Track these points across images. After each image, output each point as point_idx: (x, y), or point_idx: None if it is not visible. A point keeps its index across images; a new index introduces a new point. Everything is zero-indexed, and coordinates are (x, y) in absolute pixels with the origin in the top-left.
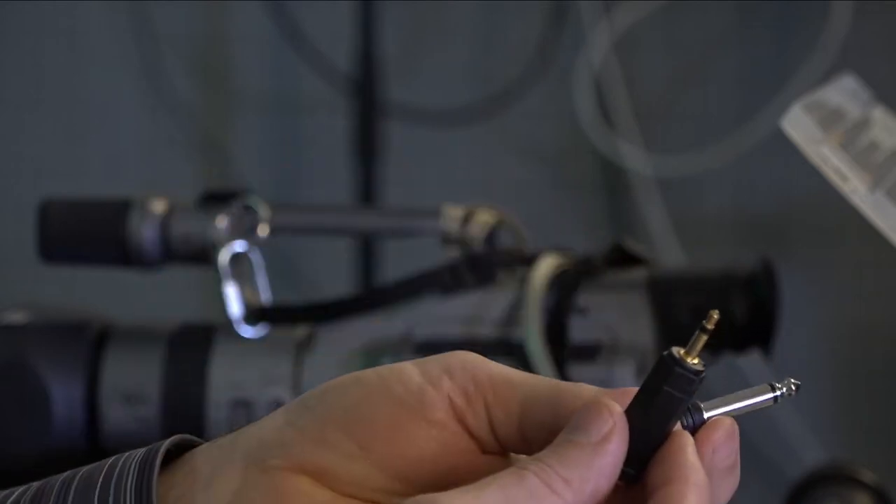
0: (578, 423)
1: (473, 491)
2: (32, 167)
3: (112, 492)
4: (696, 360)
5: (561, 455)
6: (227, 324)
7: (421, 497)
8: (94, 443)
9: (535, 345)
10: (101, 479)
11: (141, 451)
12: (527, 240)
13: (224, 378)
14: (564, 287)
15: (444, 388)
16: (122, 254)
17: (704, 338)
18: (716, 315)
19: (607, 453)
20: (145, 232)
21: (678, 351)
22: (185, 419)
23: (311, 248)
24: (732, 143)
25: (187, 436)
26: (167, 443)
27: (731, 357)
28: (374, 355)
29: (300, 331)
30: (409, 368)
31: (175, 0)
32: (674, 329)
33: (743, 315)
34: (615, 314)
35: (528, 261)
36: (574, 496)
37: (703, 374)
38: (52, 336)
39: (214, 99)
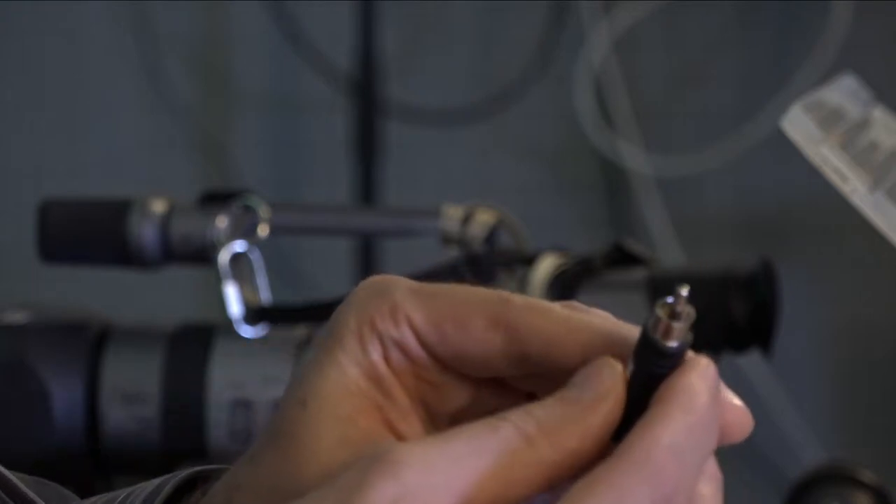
0: (576, 379)
1: (440, 441)
2: (32, 167)
3: None
4: (676, 334)
5: (549, 408)
6: (227, 324)
7: (378, 450)
8: (94, 443)
9: None
10: None
11: (151, 483)
12: (527, 240)
13: (224, 378)
14: (564, 287)
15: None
16: (122, 254)
17: (663, 315)
18: (683, 292)
19: (599, 414)
20: (145, 232)
21: (655, 326)
22: (185, 419)
23: (311, 248)
24: (732, 143)
25: (203, 468)
26: (176, 480)
27: (731, 357)
28: None
29: (300, 331)
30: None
31: (175, 0)
32: None
33: (743, 315)
34: (615, 314)
35: (528, 261)
36: (553, 453)
37: (675, 350)
38: (52, 336)
39: (214, 99)
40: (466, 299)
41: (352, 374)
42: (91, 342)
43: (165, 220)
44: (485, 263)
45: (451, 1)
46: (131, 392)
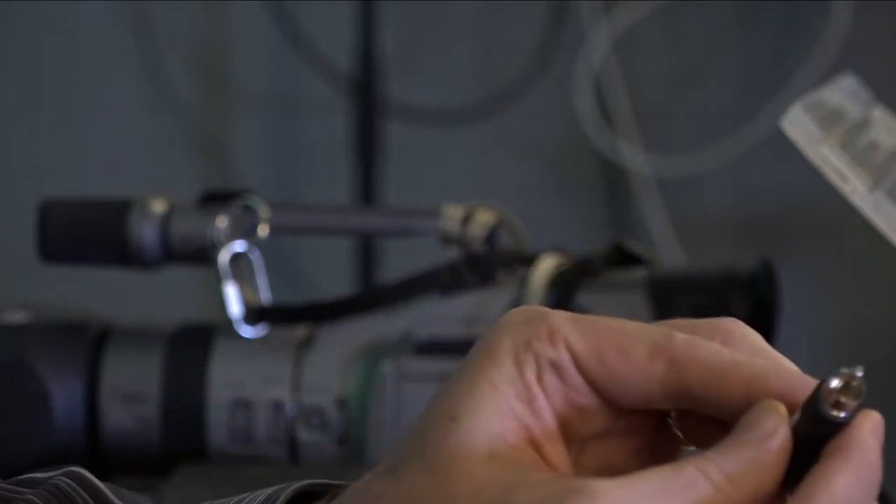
0: (744, 421)
1: (632, 479)
2: (32, 167)
3: None
4: (847, 407)
5: (723, 450)
6: (227, 324)
7: (574, 482)
8: (93, 443)
9: None
10: None
11: (258, 495)
12: (527, 240)
13: (224, 378)
14: (564, 287)
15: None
16: (122, 254)
17: (836, 389)
18: (858, 373)
19: (770, 451)
20: (145, 232)
21: (828, 396)
22: (185, 419)
23: (311, 248)
24: (732, 143)
25: (312, 483)
26: (286, 495)
27: None
28: (374, 355)
29: (300, 331)
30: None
31: (175, 0)
32: None
33: (743, 315)
34: (615, 314)
35: (528, 261)
36: (734, 491)
37: (844, 419)
38: (52, 336)
39: (214, 99)
40: (627, 328)
41: (504, 393)
42: (91, 342)
43: (165, 220)
44: (485, 263)
45: (451, 1)
46: (131, 392)
